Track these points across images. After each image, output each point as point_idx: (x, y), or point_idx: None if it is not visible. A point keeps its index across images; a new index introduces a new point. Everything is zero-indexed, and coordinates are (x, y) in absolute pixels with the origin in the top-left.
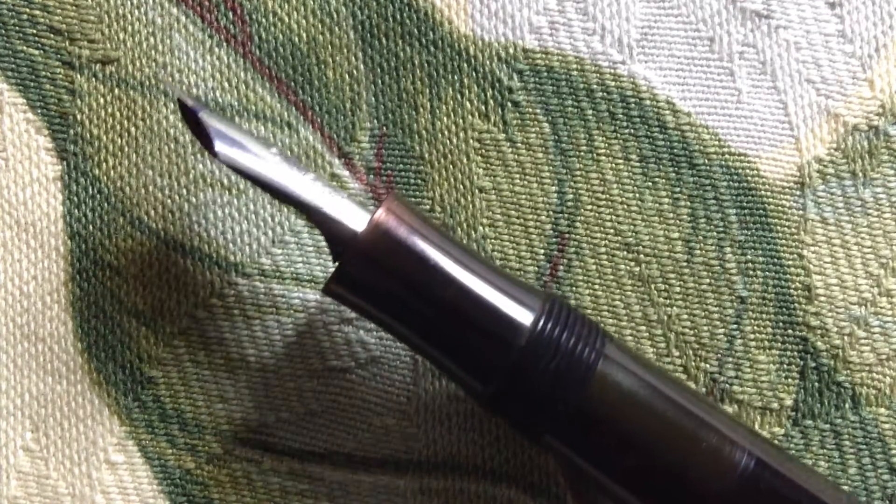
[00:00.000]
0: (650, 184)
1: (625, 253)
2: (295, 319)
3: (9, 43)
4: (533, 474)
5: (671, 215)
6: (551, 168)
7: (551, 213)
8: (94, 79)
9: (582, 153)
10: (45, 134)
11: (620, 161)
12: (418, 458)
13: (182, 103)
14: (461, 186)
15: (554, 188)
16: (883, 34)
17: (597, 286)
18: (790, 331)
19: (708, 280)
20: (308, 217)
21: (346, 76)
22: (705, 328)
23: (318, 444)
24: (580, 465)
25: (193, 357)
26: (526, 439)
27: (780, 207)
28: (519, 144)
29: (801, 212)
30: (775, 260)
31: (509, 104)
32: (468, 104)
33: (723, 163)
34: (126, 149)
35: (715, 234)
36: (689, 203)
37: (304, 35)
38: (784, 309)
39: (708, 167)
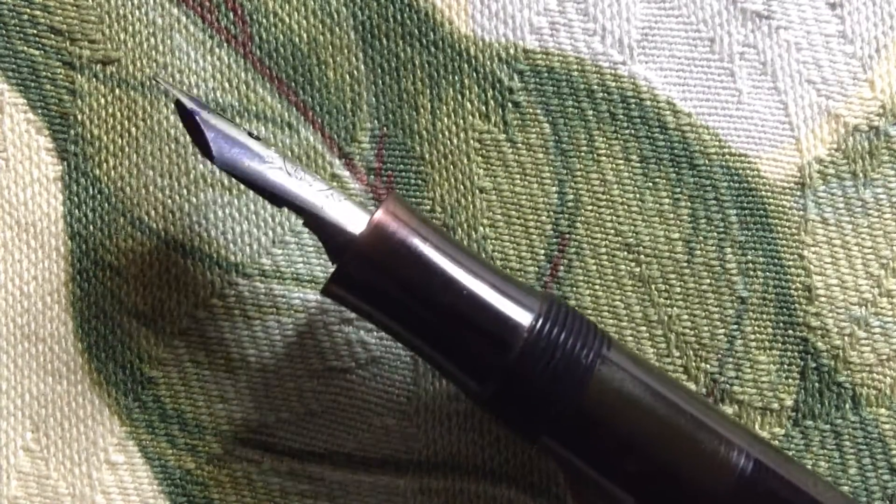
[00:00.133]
0: (651, 184)
1: (625, 253)
2: (295, 319)
3: (9, 43)
4: (533, 474)
5: (672, 216)
6: (552, 168)
7: (552, 213)
8: (94, 79)
9: (582, 153)
10: (45, 134)
11: (621, 161)
12: (418, 458)
13: (180, 105)
14: (462, 187)
15: (554, 188)
16: (883, 35)
17: (597, 286)
18: (790, 331)
19: (708, 280)
20: (305, 221)
21: (347, 76)
22: (706, 329)
23: (318, 444)
24: (578, 467)
25: (193, 357)
26: (524, 441)
27: (780, 208)
28: (519, 145)
29: (801, 212)
30: (776, 260)
31: (510, 105)
32: (469, 105)
33: (723, 163)
34: (126, 149)
35: (715, 234)
36: (689, 203)
37: (305, 35)
38: (784, 309)
39: (708, 168)
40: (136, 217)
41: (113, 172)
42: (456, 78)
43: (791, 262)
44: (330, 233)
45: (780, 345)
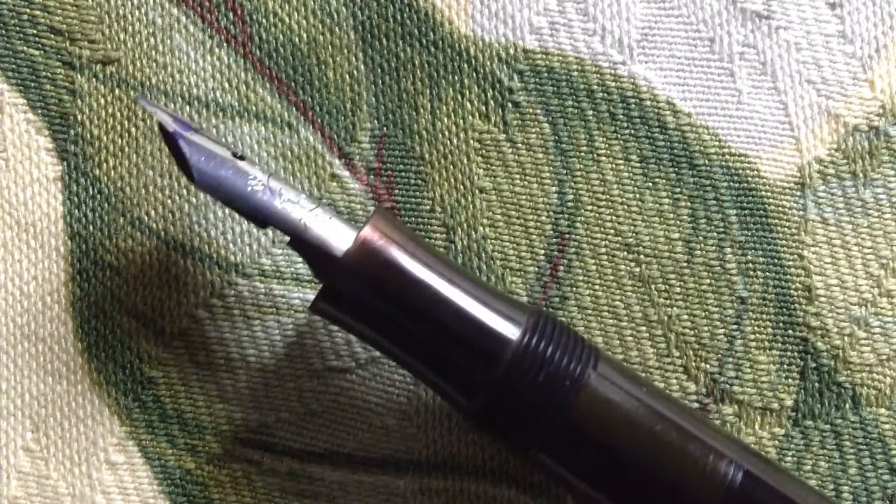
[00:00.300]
0: (650, 184)
1: (625, 253)
2: (295, 319)
3: (9, 43)
4: (533, 475)
5: (671, 216)
6: (552, 168)
7: (552, 213)
8: (94, 79)
9: (582, 153)
10: (45, 134)
11: (621, 161)
12: (418, 458)
13: (162, 128)
14: (461, 187)
15: (554, 188)
16: (883, 35)
17: (597, 286)
18: (790, 331)
19: (708, 280)
20: (290, 242)
21: (347, 76)
22: (705, 328)
23: (318, 444)
24: (568, 480)
25: (193, 357)
26: (514, 454)
27: (780, 208)
28: (519, 145)
29: (801, 212)
30: (776, 260)
31: (510, 105)
32: (469, 105)
33: (723, 163)
34: (126, 149)
35: (715, 234)
36: (689, 203)
37: (305, 35)
38: (784, 309)
39: (708, 168)
40: (136, 217)
41: (113, 172)
42: (456, 78)
43: (791, 262)
44: (314, 253)
45: (779, 345)
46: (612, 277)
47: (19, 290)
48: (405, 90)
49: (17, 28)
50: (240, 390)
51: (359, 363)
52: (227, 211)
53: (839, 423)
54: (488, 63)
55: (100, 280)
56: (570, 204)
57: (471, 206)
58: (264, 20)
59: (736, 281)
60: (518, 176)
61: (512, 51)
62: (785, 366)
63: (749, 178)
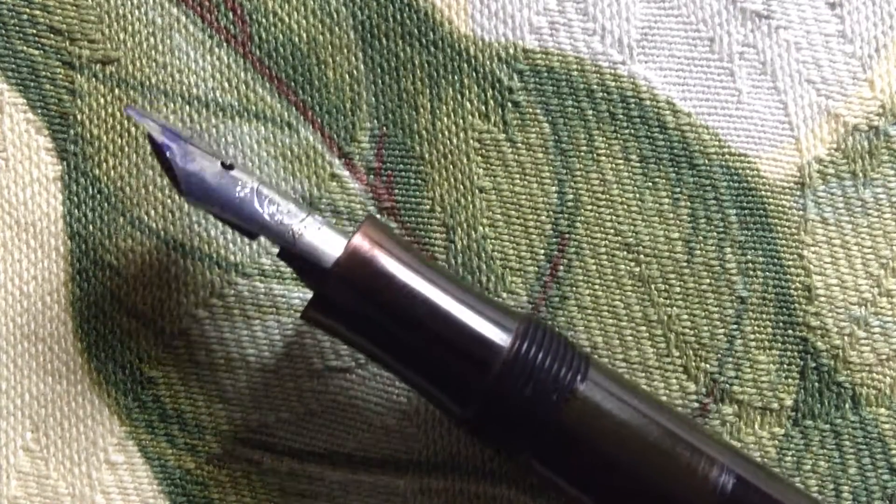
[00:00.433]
0: (650, 184)
1: (625, 253)
2: (295, 319)
3: (9, 43)
4: (533, 475)
5: (671, 215)
6: (551, 168)
7: (551, 213)
8: (94, 79)
9: (582, 153)
10: (45, 134)
11: (620, 161)
12: (418, 458)
13: (151, 139)
14: (461, 186)
15: (554, 188)
16: (883, 34)
17: (597, 286)
18: (790, 331)
19: (708, 280)
20: (279, 254)
21: (347, 76)
22: (705, 328)
23: (318, 444)
24: (560, 486)
25: (193, 357)
26: (505, 459)
27: (780, 208)
28: (519, 144)
29: (801, 212)
30: (775, 260)
31: (509, 104)
32: (468, 104)
33: (723, 163)
34: (126, 149)
35: (715, 234)
36: (689, 203)
37: (305, 35)
38: (784, 309)
39: (708, 167)
40: (136, 217)
41: (113, 172)
42: (456, 78)
43: (791, 262)
44: (303, 263)
45: (779, 344)
46: (612, 277)
47: (19, 290)
48: (405, 90)
49: (17, 28)
50: (240, 390)
51: (359, 363)
52: None
53: (839, 422)
54: (488, 63)
55: (100, 280)
56: (570, 204)
57: (471, 206)
58: (264, 20)
59: (736, 281)
60: (518, 176)
61: (512, 51)
62: (785, 366)
63: (749, 178)
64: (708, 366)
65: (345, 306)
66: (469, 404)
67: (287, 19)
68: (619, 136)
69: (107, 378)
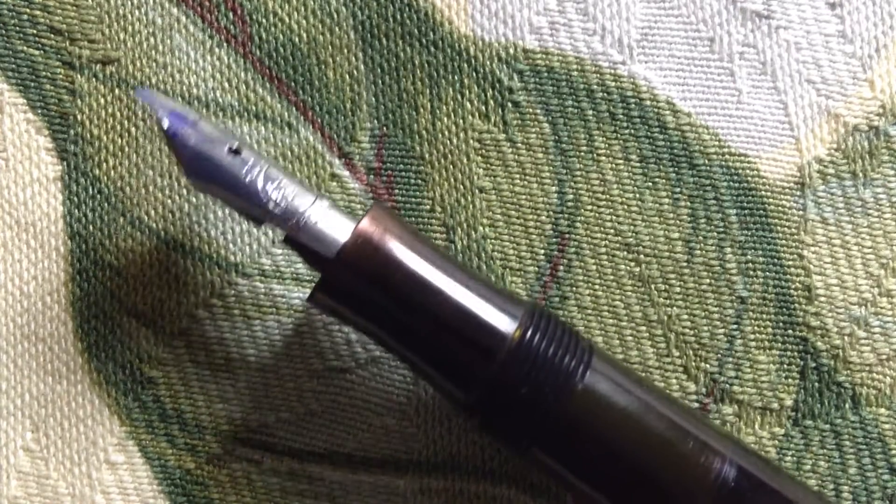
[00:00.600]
0: (650, 184)
1: (625, 253)
2: (295, 319)
3: (9, 43)
4: (533, 474)
5: (671, 215)
6: (551, 168)
7: (551, 213)
8: (94, 79)
9: (582, 153)
10: (45, 134)
11: (621, 161)
12: (418, 458)
13: (160, 122)
14: (461, 186)
15: (554, 188)
16: (883, 34)
17: (597, 286)
18: (790, 331)
19: (708, 280)
20: (284, 239)
21: (347, 76)
22: (705, 328)
23: (318, 444)
24: (562, 474)
25: (193, 357)
26: (511, 452)
27: (780, 208)
28: (519, 144)
29: (801, 212)
30: (775, 260)
31: (509, 104)
32: (468, 104)
33: (723, 163)
34: (126, 149)
35: (715, 234)
36: (689, 203)
37: (305, 35)
38: (784, 309)
39: (708, 167)
40: (136, 217)
41: (113, 172)
42: (456, 78)
43: (791, 262)
44: (311, 246)
45: (779, 345)
46: (612, 277)
47: (19, 290)
48: (405, 90)
49: (17, 28)
50: (240, 390)
51: (359, 363)
52: (227, 211)
53: (839, 422)
54: (488, 63)
55: (100, 280)
56: (570, 204)
57: (471, 206)
58: (264, 20)
59: (736, 281)
60: (518, 176)
61: (512, 51)
62: (785, 366)
63: (749, 178)
64: (708, 366)
65: (351, 290)
66: (473, 391)
67: (287, 19)
68: (619, 136)
69: (107, 378)
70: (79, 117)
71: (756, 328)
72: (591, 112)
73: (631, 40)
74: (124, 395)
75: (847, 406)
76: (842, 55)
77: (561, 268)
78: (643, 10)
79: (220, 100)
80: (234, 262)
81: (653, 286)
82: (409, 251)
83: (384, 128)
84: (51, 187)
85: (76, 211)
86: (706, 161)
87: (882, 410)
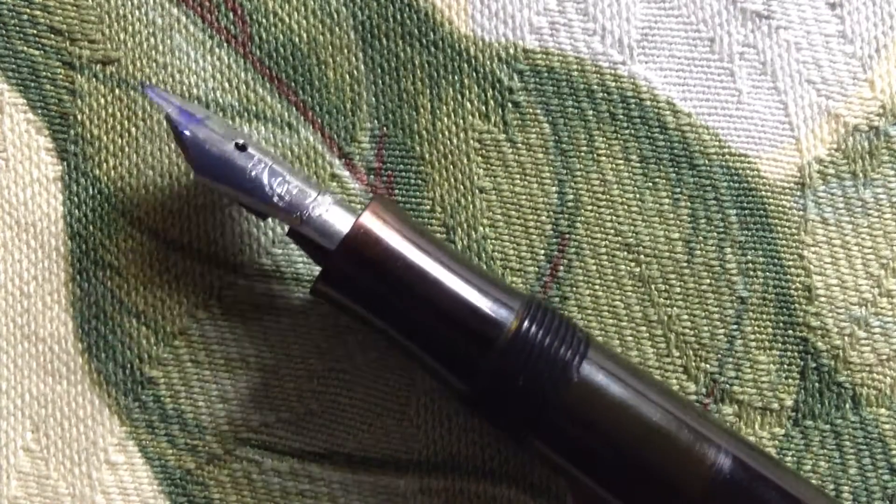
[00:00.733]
0: (650, 184)
1: (625, 253)
2: (295, 319)
3: (9, 43)
4: (533, 474)
5: (671, 216)
6: (552, 168)
7: (552, 213)
8: (94, 79)
9: (582, 153)
10: (45, 134)
11: (621, 161)
12: (418, 458)
13: (168, 118)
14: (461, 187)
15: (554, 188)
16: (883, 35)
17: (597, 286)
18: (790, 331)
19: (708, 280)
20: (288, 233)
21: (347, 76)
22: (705, 328)
23: (318, 444)
24: (558, 463)
25: (193, 357)
26: (509, 439)
27: (780, 208)
28: (519, 145)
29: (801, 212)
30: (776, 260)
31: (510, 104)
32: (469, 104)
33: (723, 163)
34: (126, 149)
35: (715, 234)
36: (689, 203)
37: (305, 35)
38: (784, 309)
39: (708, 168)
40: (136, 217)
41: (113, 172)
42: (456, 78)
43: (791, 262)
44: (312, 238)
45: (780, 345)
46: (612, 277)
47: (19, 290)
48: (405, 90)
49: (17, 28)
50: (240, 390)
51: (358, 363)
52: (227, 211)
53: (839, 423)
54: (488, 63)
55: (100, 280)
56: (570, 204)
57: (471, 206)
58: (264, 20)
59: (736, 281)
60: (518, 176)
61: (512, 51)
62: (785, 366)
63: (749, 178)
64: (708, 366)
65: (352, 281)
66: (472, 380)
67: (287, 19)
68: (619, 136)
69: (107, 378)
70: (79, 117)
71: (756, 328)
72: (591, 112)
73: (631, 40)
74: (124, 395)
75: (847, 406)
76: (842, 55)
77: (561, 268)
78: (643, 11)
79: (220, 100)
80: (234, 262)
81: (653, 286)
82: (408, 243)
83: (384, 128)
84: (51, 187)
85: (76, 211)
86: (706, 161)
87: (882, 410)
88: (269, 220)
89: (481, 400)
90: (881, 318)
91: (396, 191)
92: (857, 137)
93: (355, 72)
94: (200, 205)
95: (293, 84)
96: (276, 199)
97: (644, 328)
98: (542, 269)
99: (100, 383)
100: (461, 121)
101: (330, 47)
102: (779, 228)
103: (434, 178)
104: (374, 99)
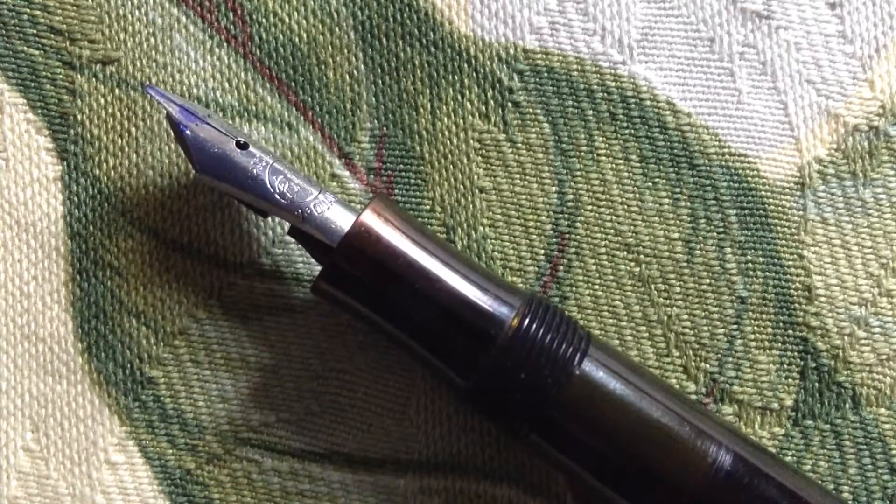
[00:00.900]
0: (650, 184)
1: (625, 253)
2: (295, 319)
3: (9, 43)
4: (533, 474)
5: (671, 216)
6: (552, 168)
7: (551, 213)
8: (94, 79)
9: (582, 153)
10: (45, 134)
11: (621, 161)
12: (418, 458)
13: (169, 117)
14: (461, 187)
15: (554, 188)
16: (883, 34)
17: (597, 286)
18: (790, 331)
19: (708, 280)
20: (289, 231)
21: (347, 76)
22: (705, 328)
23: (318, 444)
24: (558, 459)
25: (193, 357)
26: (508, 435)
27: (780, 208)
28: (519, 145)
29: (801, 212)
30: (775, 260)
31: (510, 104)
32: (468, 104)
33: (723, 163)
34: (126, 149)
35: (715, 234)
36: (689, 203)
37: (305, 35)
38: (784, 309)
39: (708, 167)
40: (136, 217)
41: (113, 172)
42: (456, 78)
43: (791, 262)
44: (314, 236)
45: (780, 345)
46: (612, 277)
47: (19, 290)
48: (405, 90)
49: (17, 28)
50: (240, 390)
51: (358, 363)
52: (227, 211)
53: (839, 423)
54: (488, 63)
55: (100, 280)
56: (570, 204)
57: (471, 206)
58: (264, 20)
59: (736, 281)
60: (518, 176)
61: (512, 51)
62: (785, 366)
63: (749, 178)
64: (708, 366)
65: (353, 279)
66: (472, 377)
67: (287, 19)
68: (619, 136)
69: (107, 378)
70: (79, 117)
71: (756, 328)
72: (591, 112)
73: (631, 40)
74: (124, 395)
75: (847, 406)
76: (842, 55)
77: (561, 268)
78: (643, 11)
79: (220, 100)
80: (234, 262)
81: (653, 286)
82: (409, 241)
83: (384, 128)
84: (51, 187)
85: (76, 211)
86: (706, 161)
87: (882, 410)
88: (270, 219)
89: (482, 397)
90: (881, 318)
91: (396, 191)
92: (857, 137)
93: (355, 72)
94: (200, 205)
95: (293, 84)
96: (277, 196)
97: (644, 328)
98: (542, 268)
99: (100, 383)
100: (461, 121)
101: (330, 47)
102: (778, 228)
103: (434, 178)
104: (374, 99)
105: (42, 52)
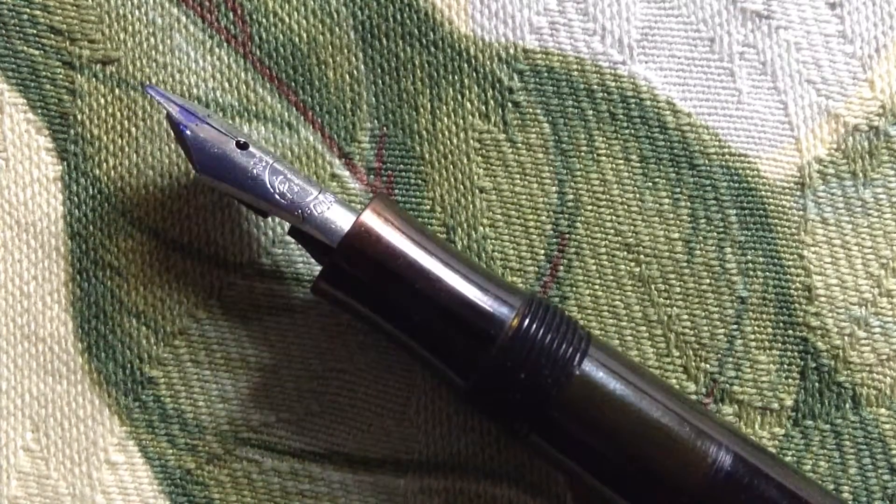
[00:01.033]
0: (650, 184)
1: (625, 253)
2: (295, 319)
3: (9, 43)
4: (533, 474)
5: (671, 216)
6: (552, 168)
7: (552, 213)
8: (94, 79)
9: (582, 153)
10: (45, 134)
11: (621, 161)
12: (418, 458)
13: (170, 118)
14: (461, 187)
15: (554, 188)
16: (883, 34)
17: (597, 286)
18: (790, 331)
19: (708, 280)
20: (289, 231)
21: (347, 76)
22: (705, 328)
23: (318, 444)
24: (558, 460)
25: (193, 357)
26: (508, 435)
27: (780, 208)
28: (519, 145)
29: (801, 212)
30: (775, 260)
31: (510, 104)
32: (469, 104)
33: (723, 163)
34: (126, 149)
35: (715, 234)
36: (689, 203)
37: (305, 35)
38: (784, 309)
39: (708, 167)
40: (136, 217)
41: (113, 172)
42: (456, 78)
43: (791, 262)
44: (314, 236)
45: (780, 345)
46: (612, 277)
47: (19, 290)
48: (405, 90)
49: (17, 28)
50: (240, 390)
51: (358, 363)
52: (227, 211)
53: (839, 423)
54: (488, 63)
55: (100, 280)
56: (570, 204)
57: (471, 206)
58: (264, 20)
59: (736, 281)
60: (518, 176)
61: (512, 51)
62: (785, 366)
63: (749, 178)
64: (708, 366)
65: (353, 279)
66: (472, 377)
67: (287, 19)
68: (619, 136)
69: (107, 378)
70: (79, 117)
71: (756, 328)
72: (591, 112)
73: (631, 40)
74: (124, 395)
75: (847, 406)
76: (842, 55)
77: (561, 268)
78: (643, 10)
79: (220, 100)
80: (234, 262)
81: (653, 286)
82: (409, 241)
83: (384, 128)
84: (51, 187)
85: (76, 211)
86: (706, 161)
87: (882, 410)
88: (270, 219)
89: (482, 397)
90: (881, 318)
91: (396, 191)
92: (857, 137)
93: (355, 72)
94: (200, 205)
95: (293, 84)
96: (277, 196)
97: (644, 328)
98: (542, 268)
99: (100, 383)
100: (461, 121)
101: (330, 47)
102: (779, 228)
103: (434, 178)
104: (374, 99)
105: (42, 52)
